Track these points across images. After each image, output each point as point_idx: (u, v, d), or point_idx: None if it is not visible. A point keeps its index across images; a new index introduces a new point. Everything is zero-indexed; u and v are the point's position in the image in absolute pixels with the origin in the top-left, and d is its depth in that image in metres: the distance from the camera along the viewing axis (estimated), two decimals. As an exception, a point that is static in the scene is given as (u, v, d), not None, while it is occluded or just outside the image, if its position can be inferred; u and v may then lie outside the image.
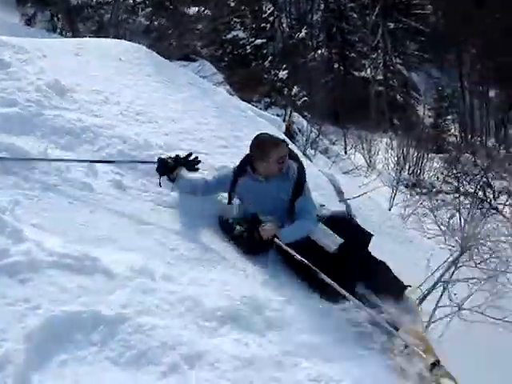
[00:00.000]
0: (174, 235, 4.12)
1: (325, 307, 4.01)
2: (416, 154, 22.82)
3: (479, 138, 36.16)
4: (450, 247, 11.55)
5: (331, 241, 4.22)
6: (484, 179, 11.53)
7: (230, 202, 4.55)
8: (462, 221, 13.62)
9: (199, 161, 4.79)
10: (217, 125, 6.45)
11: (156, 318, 3.02)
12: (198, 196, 4.62)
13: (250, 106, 9.31)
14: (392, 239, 10.55)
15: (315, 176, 6.96)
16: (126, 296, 3.06)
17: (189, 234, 4.27)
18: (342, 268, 4.06)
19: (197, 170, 4.77)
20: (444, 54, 41.65)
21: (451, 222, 11.15)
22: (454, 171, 17.41)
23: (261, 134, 4.73)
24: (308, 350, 3.50)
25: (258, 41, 22.49)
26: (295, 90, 22.65)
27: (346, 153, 25.51)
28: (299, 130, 19.77)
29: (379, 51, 41.10)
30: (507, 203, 11.35)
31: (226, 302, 3.43)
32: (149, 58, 7.45)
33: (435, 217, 12.24)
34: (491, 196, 11.19)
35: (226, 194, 4.58)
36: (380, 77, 40.72)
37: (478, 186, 11.45)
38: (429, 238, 12.49)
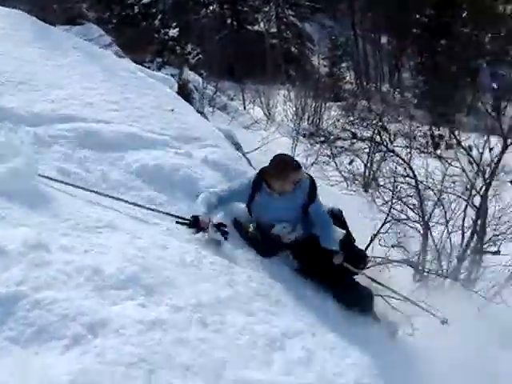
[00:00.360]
0: (67, 208, 3.98)
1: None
2: (314, 104, 23.13)
3: (374, 84, 37.08)
4: (352, 192, 11.93)
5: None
6: (380, 124, 11.87)
7: (250, 215, 4.96)
8: (362, 165, 14.10)
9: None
10: (106, 88, 6.25)
11: (54, 291, 2.91)
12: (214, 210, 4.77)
13: (140, 67, 9.06)
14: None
15: (210, 132, 6.89)
16: (22, 272, 2.92)
17: (82, 204, 4.18)
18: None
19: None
20: (335, 3, 42.19)
21: (351, 167, 11.39)
22: (351, 118, 17.85)
23: (281, 155, 4.95)
24: (216, 307, 3.53)
25: (146, -1, 21.86)
26: (189, 47, 22.29)
27: (244, 108, 25.47)
28: (196, 89, 19.52)
29: (271, 4, 41.08)
30: (403, 145, 11.72)
31: (126, 267, 3.37)
32: (29, 23, 7.10)
33: (336, 164, 12.53)
34: (387, 139, 11.55)
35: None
36: (274, 30, 40.81)
37: (375, 131, 11.76)
38: (332, 185, 12.80)
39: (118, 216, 4.21)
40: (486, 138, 10.26)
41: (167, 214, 4.62)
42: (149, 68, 12.32)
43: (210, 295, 3.66)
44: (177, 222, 4.57)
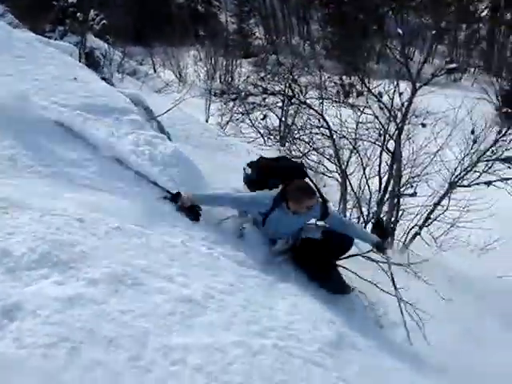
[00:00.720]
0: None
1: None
2: (224, 62, 22.91)
3: (284, 38, 36.99)
4: (268, 147, 11.89)
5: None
6: (290, 77, 11.81)
7: (263, 226, 5.22)
8: (277, 120, 14.09)
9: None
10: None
11: (-41, 278, 2.73)
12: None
13: (38, 36, 8.58)
14: (212, 149, 10.56)
15: (116, 98, 6.62)
16: None
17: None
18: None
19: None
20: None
21: (265, 122, 11.34)
22: (262, 73, 17.72)
23: (302, 183, 5.17)
24: (134, 276, 3.42)
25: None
26: (92, 14, 21.43)
27: (155, 71, 24.94)
28: (103, 56, 18.90)
29: (174, -37, 40.11)
30: (315, 97, 11.73)
31: (38, 246, 3.18)
32: None
33: (250, 120, 12.45)
34: (299, 92, 11.52)
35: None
36: (179, -11, 39.96)
37: (286, 84, 11.70)
38: (249, 142, 12.73)
39: (26, 195, 3.97)
40: (395, 83, 10.40)
41: (155, 184, 4.81)
42: (50, 38, 11.71)
43: (126, 265, 3.53)
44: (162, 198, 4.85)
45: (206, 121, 16.34)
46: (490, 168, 9.89)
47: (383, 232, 5.58)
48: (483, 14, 31.29)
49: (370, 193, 10.51)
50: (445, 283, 7.52)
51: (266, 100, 10.61)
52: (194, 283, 3.77)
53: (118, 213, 4.29)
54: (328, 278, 5.34)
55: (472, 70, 27.93)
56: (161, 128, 7.40)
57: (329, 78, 11.99)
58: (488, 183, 9.86)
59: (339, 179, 10.32)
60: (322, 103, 10.56)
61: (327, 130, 10.16)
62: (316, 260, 5.21)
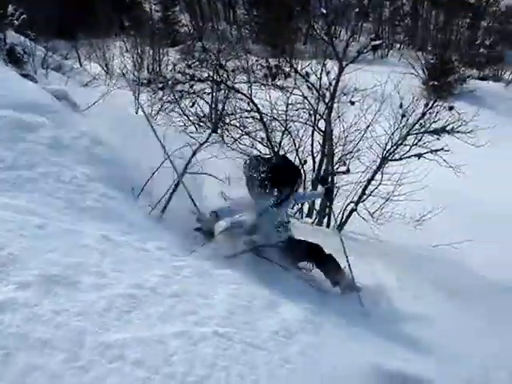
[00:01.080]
0: None
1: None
2: (151, 52, 22.58)
3: (210, 24, 36.68)
4: (201, 134, 11.74)
5: None
6: (216, 62, 11.69)
7: None
8: (208, 107, 13.96)
9: None
10: None
11: None
12: None
13: None
14: (143, 140, 10.35)
15: (37, 95, 6.39)
16: None
17: None
18: None
19: None
20: None
21: (194, 109, 11.20)
22: (190, 61, 17.48)
23: None
24: (66, 275, 3.31)
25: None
26: (10, 8, 20.64)
27: (80, 65, 24.31)
28: (24, 52, 18.26)
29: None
30: (243, 80, 11.65)
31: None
32: None
33: (181, 109, 12.27)
34: (226, 77, 11.43)
35: None
36: (99, -21, 39.00)
37: (213, 70, 11.58)
38: (181, 132, 12.55)
39: None
40: (322, 63, 10.42)
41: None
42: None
43: (57, 265, 3.50)
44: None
45: (136, 112, 16.05)
46: (419, 141, 10.05)
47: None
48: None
49: (305, 173, 10.54)
50: (382, 255, 7.70)
51: (194, 87, 10.48)
52: (128, 278, 3.75)
53: (44, 213, 4.20)
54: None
55: (398, 45, 28.45)
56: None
57: (257, 61, 11.89)
58: (418, 156, 10.03)
59: (273, 162, 10.28)
60: (250, 87, 10.49)
61: (257, 114, 10.10)
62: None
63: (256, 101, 10.52)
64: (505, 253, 10.77)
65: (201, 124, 10.57)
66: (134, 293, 3.54)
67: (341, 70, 9.97)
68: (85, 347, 2.87)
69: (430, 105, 10.18)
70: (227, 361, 3.32)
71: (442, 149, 9.94)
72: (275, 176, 5.17)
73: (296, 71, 10.13)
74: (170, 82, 11.55)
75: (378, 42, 9.76)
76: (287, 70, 10.25)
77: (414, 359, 5.34)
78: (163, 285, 3.89)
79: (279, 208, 5.32)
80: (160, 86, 12.14)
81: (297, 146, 10.49)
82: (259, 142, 10.33)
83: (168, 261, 4.42)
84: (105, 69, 23.89)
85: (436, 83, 20.44)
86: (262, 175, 5.13)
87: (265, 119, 10.25)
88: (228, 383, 3.15)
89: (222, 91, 12.73)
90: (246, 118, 10.44)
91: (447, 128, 10.05)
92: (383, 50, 26.91)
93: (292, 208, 6.18)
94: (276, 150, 10.20)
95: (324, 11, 11.22)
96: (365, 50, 10.07)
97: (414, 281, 7.01)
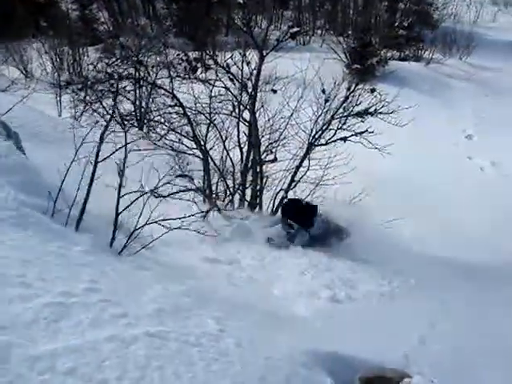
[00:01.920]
0: None
1: None
2: (71, 52, 22.03)
3: (130, 20, 35.95)
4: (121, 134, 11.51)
5: None
6: (136, 59, 11.48)
7: None
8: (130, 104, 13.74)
9: None
10: None
11: None
12: None
13: None
14: (66, 144, 10.11)
15: None
16: None
17: None
18: None
19: None
20: None
21: (118, 108, 10.98)
22: (110, 60, 17.12)
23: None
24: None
25: None
26: None
27: (-3, 70, 23.47)
28: None
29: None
30: (165, 77, 11.47)
31: None
32: None
33: (105, 108, 12.01)
34: (147, 73, 11.25)
35: None
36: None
37: (133, 67, 11.36)
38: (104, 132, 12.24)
39: None
40: (242, 53, 10.35)
41: None
42: None
43: None
44: None
45: (59, 115, 15.67)
46: (344, 124, 10.15)
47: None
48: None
49: (233, 164, 10.53)
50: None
51: (115, 85, 10.24)
52: (54, 286, 3.68)
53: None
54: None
55: (319, 31, 28.69)
56: (7, 129, 6.95)
57: (178, 55, 11.75)
58: (344, 139, 10.14)
59: (200, 155, 10.22)
60: (171, 82, 10.34)
61: (181, 109, 9.98)
62: None
63: (179, 95, 10.39)
64: (431, 227, 11.14)
65: (126, 123, 10.36)
66: (62, 301, 3.47)
67: (261, 59, 9.94)
68: (11, 362, 2.76)
69: (352, 88, 10.28)
70: (161, 360, 3.29)
71: (367, 130, 10.08)
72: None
73: (216, 63, 10.03)
74: (89, 82, 11.27)
75: (295, 30, 9.79)
76: (207, 62, 10.14)
77: (350, 339, 5.44)
78: (91, 290, 3.83)
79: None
80: (79, 86, 11.82)
81: (223, 138, 10.44)
82: (185, 136, 10.21)
83: (93, 265, 4.34)
84: (24, 72, 23.12)
85: (358, 66, 20.75)
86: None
87: (189, 113, 10.14)
88: (163, 383, 3.11)
89: (145, 88, 12.58)
90: (170, 113, 10.29)
91: (370, 110, 10.18)
92: (305, 37, 27.08)
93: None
94: (202, 143, 10.12)
95: (241, 1, 11.15)
96: (284, 39, 10.02)
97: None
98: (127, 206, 6.00)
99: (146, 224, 5.91)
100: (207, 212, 9.76)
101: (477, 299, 8.54)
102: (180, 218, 6.72)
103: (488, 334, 7.46)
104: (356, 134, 10.07)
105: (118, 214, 5.72)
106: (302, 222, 8.87)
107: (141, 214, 5.86)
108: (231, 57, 10.23)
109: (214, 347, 3.80)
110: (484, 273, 9.54)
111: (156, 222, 6.18)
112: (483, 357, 6.79)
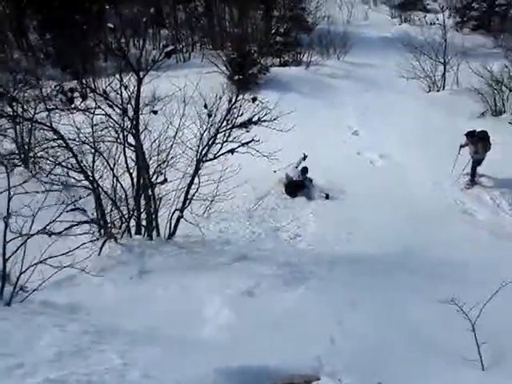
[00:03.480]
0: None
1: None
2: None
3: (2, 54, 34.51)
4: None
5: None
6: (9, 95, 11.08)
7: None
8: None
9: None
10: None
11: None
12: None
13: None
14: None
15: None
16: None
17: None
18: None
19: None
20: None
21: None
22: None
23: None
24: None
25: None
26: None
27: None
28: None
29: None
30: (43, 110, 11.10)
31: None
32: None
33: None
34: (22, 108, 10.88)
35: None
36: None
37: (8, 104, 10.97)
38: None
39: None
40: (119, 77, 10.18)
41: None
42: None
43: None
44: None
45: None
46: (229, 136, 10.22)
47: None
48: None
49: (125, 190, 10.37)
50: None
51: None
52: None
53: None
54: None
55: (198, 46, 28.73)
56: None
57: (55, 86, 11.44)
58: (231, 151, 10.22)
59: (90, 186, 10.00)
60: (48, 115, 10.04)
61: (62, 141, 9.71)
62: None
63: (61, 127, 10.15)
64: (331, 226, 11.44)
65: (4, 163, 9.93)
66: None
67: (139, 82, 9.83)
68: None
69: (233, 100, 10.36)
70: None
71: (253, 140, 10.20)
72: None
73: (93, 91, 9.84)
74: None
75: (170, 48, 9.73)
76: (84, 91, 9.92)
77: (260, 350, 5.46)
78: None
79: None
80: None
81: (111, 165, 10.26)
82: (71, 169, 9.94)
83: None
84: None
85: (240, 77, 20.95)
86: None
87: (72, 145, 9.89)
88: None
89: (25, 125, 12.18)
90: (53, 147, 9.98)
91: (253, 119, 10.31)
92: (184, 53, 27.11)
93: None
94: (90, 173, 9.90)
95: (111, 26, 11.00)
96: (159, 59, 9.95)
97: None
98: (14, 252, 5.79)
99: (30, 266, 5.71)
100: (103, 244, 9.61)
101: (380, 289, 8.87)
102: (65, 254, 6.53)
103: (393, 323, 7.77)
104: (243, 145, 10.17)
105: (5, 262, 5.51)
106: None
107: (23, 257, 5.66)
108: (109, 84, 10.07)
109: (120, 383, 3.74)
110: (384, 264, 9.91)
111: (41, 263, 5.99)
112: (389, 346, 7.07)
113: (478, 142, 14.27)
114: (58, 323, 4.63)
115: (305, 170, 14.26)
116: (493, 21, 31.16)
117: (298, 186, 13.85)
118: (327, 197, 13.72)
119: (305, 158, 14.63)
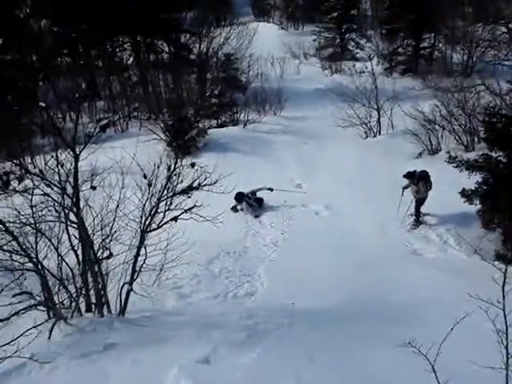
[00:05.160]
0: None
1: None
2: None
3: None
4: None
5: None
6: None
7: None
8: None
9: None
10: None
11: None
12: None
13: None
14: None
15: None
16: None
17: None
18: None
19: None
20: None
21: None
22: None
23: None
24: None
25: None
26: None
27: None
28: None
29: None
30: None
31: None
32: None
33: None
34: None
35: None
36: None
37: None
38: None
39: None
40: (55, 156, 10.07)
41: None
42: None
43: None
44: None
45: None
46: (171, 204, 10.18)
47: None
48: (129, 61, 32.43)
49: (71, 269, 10.19)
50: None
51: None
52: None
53: None
54: None
55: (135, 114, 28.75)
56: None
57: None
58: (175, 219, 10.16)
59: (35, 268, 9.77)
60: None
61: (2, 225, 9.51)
62: None
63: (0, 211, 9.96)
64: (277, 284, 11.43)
65: None
66: None
67: (76, 158, 9.76)
68: None
69: (172, 168, 10.31)
70: None
71: (195, 205, 10.19)
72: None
73: (28, 172, 9.73)
74: None
75: (104, 122, 9.78)
76: (20, 172, 9.79)
77: None
78: None
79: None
80: None
81: (54, 244, 10.08)
82: (13, 252, 9.68)
83: None
84: None
85: (179, 142, 21.07)
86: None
87: (13, 228, 9.68)
88: None
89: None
90: (-7, 232, 9.72)
91: (194, 185, 10.32)
92: (121, 124, 27.13)
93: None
94: (33, 255, 9.68)
95: (43, 105, 10.98)
96: (94, 133, 9.93)
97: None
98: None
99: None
100: (52, 326, 9.36)
101: (337, 340, 8.86)
102: (9, 343, 6.31)
103: (350, 374, 7.74)
104: (186, 211, 10.14)
105: None
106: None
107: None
108: (47, 163, 9.98)
109: None
110: (341, 314, 9.97)
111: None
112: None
113: (419, 181, 14.67)
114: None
115: (255, 193, 17.02)
116: (419, 63, 32.52)
117: (243, 196, 16.60)
118: (271, 189, 16.97)
119: (271, 189, 17.04)
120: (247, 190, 16.77)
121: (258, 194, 17.18)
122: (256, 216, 16.53)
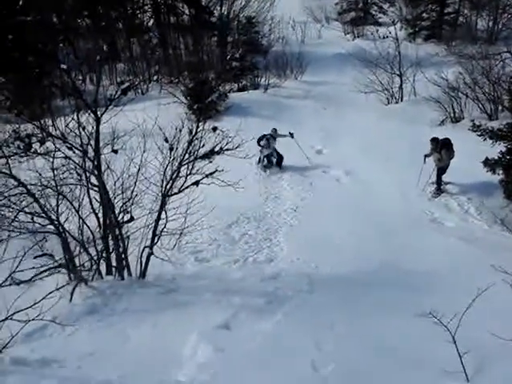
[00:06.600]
0: None
1: None
2: None
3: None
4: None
5: None
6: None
7: None
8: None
9: None
10: None
11: None
12: None
13: None
14: None
15: None
16: None
17: None
18: None
19: None
20: None
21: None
22: None
23: None
24: None
25: None
26: None
27: None
28: None
29: None
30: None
31: None
32: None
33: None
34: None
35: None
36: None
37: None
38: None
39: None
40: (77, 117, 10.01)
41: None
42: None
43: None
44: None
45: None
46: (193, 169, 10.14)
47: None
48: (150, 24, 32.17)
49: (92, 232, 10.23)
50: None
51: None
52: None
53: None
54: None
55: (155, 77, 28.67)
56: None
57: (13, 131, 11.26)
58: (196, 183, 10.13)
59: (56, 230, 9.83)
60: (7, 163, 9.83)
61: (23, 188, 9.53)
62: None
63: (21, 173, 9.98)
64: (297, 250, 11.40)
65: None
66: None
67: (97, 121, 9.72)
68: None
69: (193, 132, 10.23)
70: None
71: (216, 170, 10.14)
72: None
73: (50, 135, 9.71)
74: None
75: (125, 85, 9.66)
76: (42, 134, 9.76)
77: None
78: None
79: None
80: None
81: (76, 207, 10.11)
82: (35, 215, 9.73)
83: None
84: None
85: (200, 105, 20.94)
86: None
87: (35, 190, 9.71)
88: None
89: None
90: (15, 194, 9.75)
91: (216, 149, 10.25)
92: (142, 86, 27.02)
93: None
94: (54, 217, 9.71)
95: (65, 67, 10.89)
96: (115, 96, 9.85)
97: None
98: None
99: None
100: (73, 289, 9.44)
101: (358, 307, 8.85)
102: (31, 306, 6.33)
103: (371, 342, 7.73)
104: (207, 176, 10.10)
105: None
106: None
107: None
108: (67, 125, 9.94)
109: None
110: (361, 281, 9.93)
111: (7, 319, 5.80)
112: (369, 366, 7.01)
113: (442, 149, 14.48)
114: (31, 382, 4.46)
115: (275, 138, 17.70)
116: (443, 29, 31.87)
117: (264, 136, 17.36)
118: (292, 136, 17.73)
119: (291, 135, 17.80)
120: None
121: (279, 140, 17.85)
122: (269, 156, 17.55)
